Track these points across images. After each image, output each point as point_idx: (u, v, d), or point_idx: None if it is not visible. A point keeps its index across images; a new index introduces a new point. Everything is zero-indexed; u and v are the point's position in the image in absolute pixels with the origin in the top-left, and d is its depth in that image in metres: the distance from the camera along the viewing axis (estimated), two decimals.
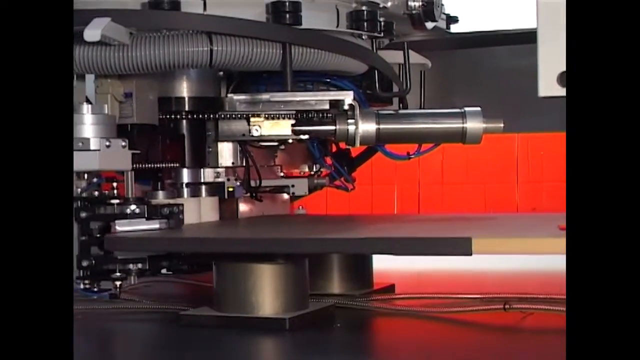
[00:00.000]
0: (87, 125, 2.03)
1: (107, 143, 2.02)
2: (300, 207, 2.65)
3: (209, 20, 2.08)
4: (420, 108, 2.48)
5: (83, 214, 2.06)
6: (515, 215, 2.37)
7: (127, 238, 2.07)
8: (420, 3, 2.39)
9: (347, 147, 2.45)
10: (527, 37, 1.85)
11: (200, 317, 2.02)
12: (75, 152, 1.95)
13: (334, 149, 2.59)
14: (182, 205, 2.16)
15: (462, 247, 1.78)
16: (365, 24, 2.26)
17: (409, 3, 2.39)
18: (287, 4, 2.11)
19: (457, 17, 2.54)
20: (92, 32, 1.93)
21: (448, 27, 2.61)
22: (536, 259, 2.60)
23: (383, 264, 2.44)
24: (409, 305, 2.17)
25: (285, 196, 2.58)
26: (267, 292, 1.98)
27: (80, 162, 1.99)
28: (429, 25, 2.43)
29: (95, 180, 2.10)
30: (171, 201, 2.17)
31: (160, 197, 2.20)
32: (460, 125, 2.18)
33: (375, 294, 2.30)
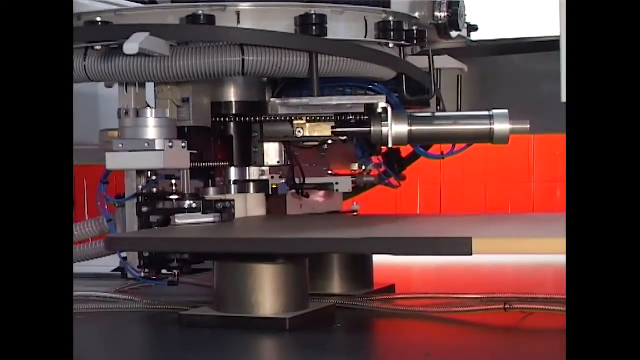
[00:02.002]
0: (151, 128, 2.17)
1: (170, 144, 2.16)
2: (355, 203, 2.72)
3: (241, 33, 2.18)
4: (458, 110, 2.55)
5: (144, 209, 2.19)
6: (519, 216, 2.36)
7: (126, 238, 2.08)
8: (446, 14, 2.47)
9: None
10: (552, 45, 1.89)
11: (200, 317, 2.02)
12: (141, 152, 2.14)
13: (384, 149, 2.63)
14: (234, 200, 2.29)
15: (462, 247, 1.78)
16: (392, 33, 2.32)
17: (436, 14, 2.48)
18: (314, 16, 2.19)
19: (477, 26, 2.59)
20: (131, 46, 2.05)
21: (469, 35, 2.65)
22: (537, 257, 2.61)
23: (383, 264, 2.44)
24: (409, 306, 2.17)
25: (338, 193, 2.64)
26: (267, 292, 1.98)
27: (146, 161, 2.15)
28: (454, 34, 2.52)
29: (154, 178, 2.23)
30: (223, 197, 2.33)
31: (211, 193, 2.36)
32: (488, 126, 2.24)
33: (375, 294, 2.30)
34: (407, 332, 1.99)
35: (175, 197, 2.20)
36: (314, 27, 2.19)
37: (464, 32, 2.62)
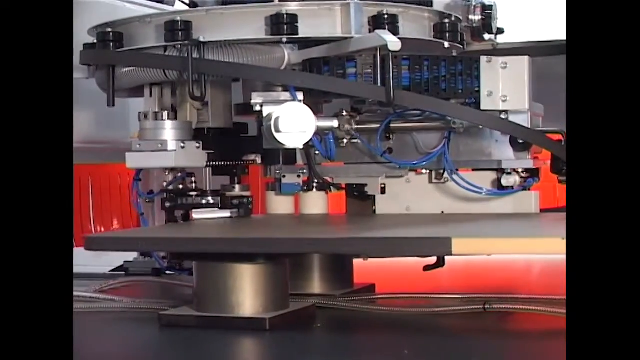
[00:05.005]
0: (165, 130, 2.31)
1: (182, 145, 2.30)
2: None
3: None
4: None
5: (167, 204, 2.38)
6: (511, 215, 2.33)
7: (105, 238, 2.08)
8: (480, 17, 2.46)
9: None
10: None
11: (180, 317, 2.02)
12: (155, 152, 2.29)
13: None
14: (252, 197, 2.46)
15: (441, 247, 1.78)
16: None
17: (470, 17, 2.46)
18: (112, 34, 2.28)
19: (503, 29, 2.59)
20: None
21: (496, 38, 2.64)
22: (526, 256, 2.60)
23: (363, 262, 2.44)
24: (389, 305, 2.17)
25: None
26: (247, 292, 1.98)
27: (160, 160, 2.31)
28: (486, 36, 2.50)
29: (179, 175, 2.42)
30: (243, 193, 2.47)
31: (237, 190, 2.49)
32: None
33: (355, 294, 2.30)
34: (387, 331, 1.99)
35: (195, 193, 2.38)
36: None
37: (492, 35, 2.61)
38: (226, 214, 2.37)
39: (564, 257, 1.46)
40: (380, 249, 1.88)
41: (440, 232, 1.92)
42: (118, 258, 3.02)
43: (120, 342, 2.01)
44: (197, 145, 2.34)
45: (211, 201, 2.37)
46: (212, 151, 2.39)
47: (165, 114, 2.32)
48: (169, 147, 2.29)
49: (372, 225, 2.28)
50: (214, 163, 2.42)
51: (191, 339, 1.90)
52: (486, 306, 2.06)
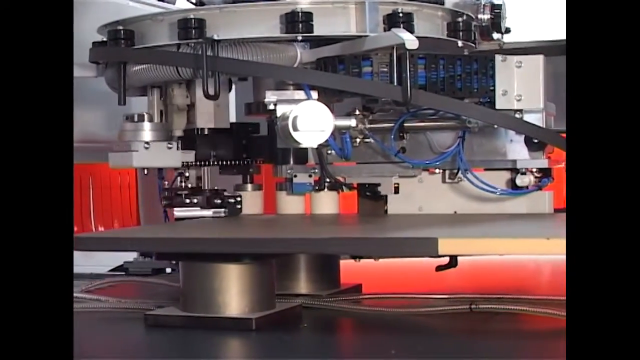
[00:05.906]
0: (136, 131, 2.34)
1: (146, 145, 2.32)
2: None
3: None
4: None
5: (163, 202, 2.47)
6: (506, 215, 2.32)
7: (92, 238, 2.08)
8: (489, 16, 2.43)
9: None
10: None
11: (166, 317, 2.01)
12: (123, 153, 2.33)
13: None
14: (240, 196, 2.48)
15: (427, 248, 1.78)
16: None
17: (479, 16, 2.44)
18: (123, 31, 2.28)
19: (509, 28, 2.58)
20: None
21: (502, 37, 2.64)
22: (517, 256, 2.59)
23: (350, 262, 2.44)
24: (376, 305, 2.17)
25: None
26: (233, 292, 1.98)
27: (124, 160, 2.34)
28: (495, 35, 2.48)
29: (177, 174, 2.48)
30: (228, 193, 2.49)
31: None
32: None
33: (342, 294, 2.30)
34: (374, 331, 1.99)
35: (184, 192, 2.44)
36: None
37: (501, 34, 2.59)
38: (207, 213, 2.39)
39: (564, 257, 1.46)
40: (367, 249, 1.88)
41: (432, 232, 1.91)
42: (111, 258, 3.02)
43: (106, 342, 2.01)
44: (170, 145, 2.35)
45: (194, 200, 2.40)
46: (190, 151, 2.40)
47: (136, 115, 2.35)
48: (132, 147, 2.31)
49: (372, 225, 2.28)
50: (207, 163, 2.43)
51: (177, 339, 1.90)
52: (472, 306, 2.06)
